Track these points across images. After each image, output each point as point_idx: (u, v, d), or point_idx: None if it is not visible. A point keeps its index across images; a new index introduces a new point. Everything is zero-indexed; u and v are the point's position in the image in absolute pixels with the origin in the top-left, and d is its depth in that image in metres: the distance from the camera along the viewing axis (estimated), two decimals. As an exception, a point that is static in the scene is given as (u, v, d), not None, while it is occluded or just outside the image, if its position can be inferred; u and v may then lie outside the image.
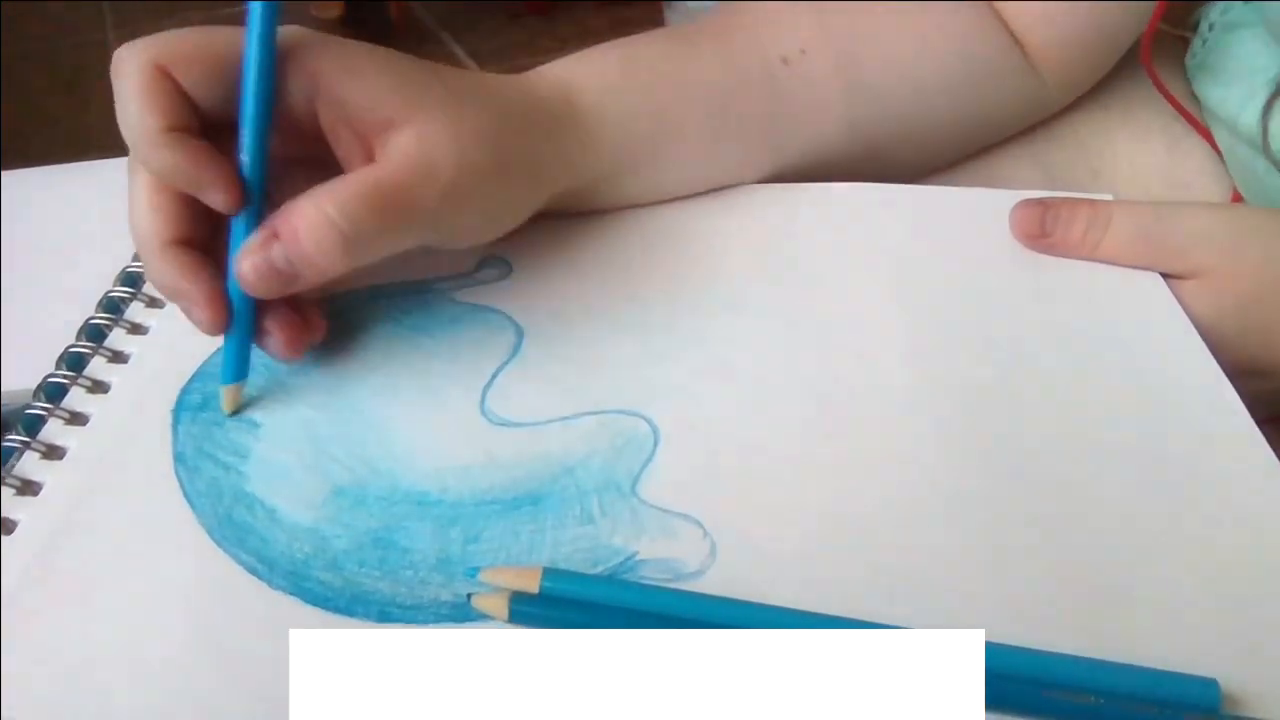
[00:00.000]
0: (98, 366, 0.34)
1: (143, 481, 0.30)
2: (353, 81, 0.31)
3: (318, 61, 0.30)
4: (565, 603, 0.26)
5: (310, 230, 0.29)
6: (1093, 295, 0.36)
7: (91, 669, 0.25)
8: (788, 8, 0.42)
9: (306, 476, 0.30)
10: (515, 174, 0.34)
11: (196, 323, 0.31)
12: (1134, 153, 0.48)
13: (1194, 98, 0.49)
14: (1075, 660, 0.25)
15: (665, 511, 0.29)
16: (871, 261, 0.38)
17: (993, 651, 0.25)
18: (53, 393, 0.33)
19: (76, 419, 0.32)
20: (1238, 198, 0.47)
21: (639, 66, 0.39)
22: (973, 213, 0.39)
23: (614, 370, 0.33)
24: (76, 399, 0.33)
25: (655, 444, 0.31)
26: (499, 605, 0.26)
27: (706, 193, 0.41)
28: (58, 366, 0.33)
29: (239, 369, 0.32)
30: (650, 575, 0.27)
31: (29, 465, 0.30)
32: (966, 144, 0.47)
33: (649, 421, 0.31)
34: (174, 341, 0.34)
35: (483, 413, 0.32)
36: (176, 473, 0.30)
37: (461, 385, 0.33)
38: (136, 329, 0.35)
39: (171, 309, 0.36)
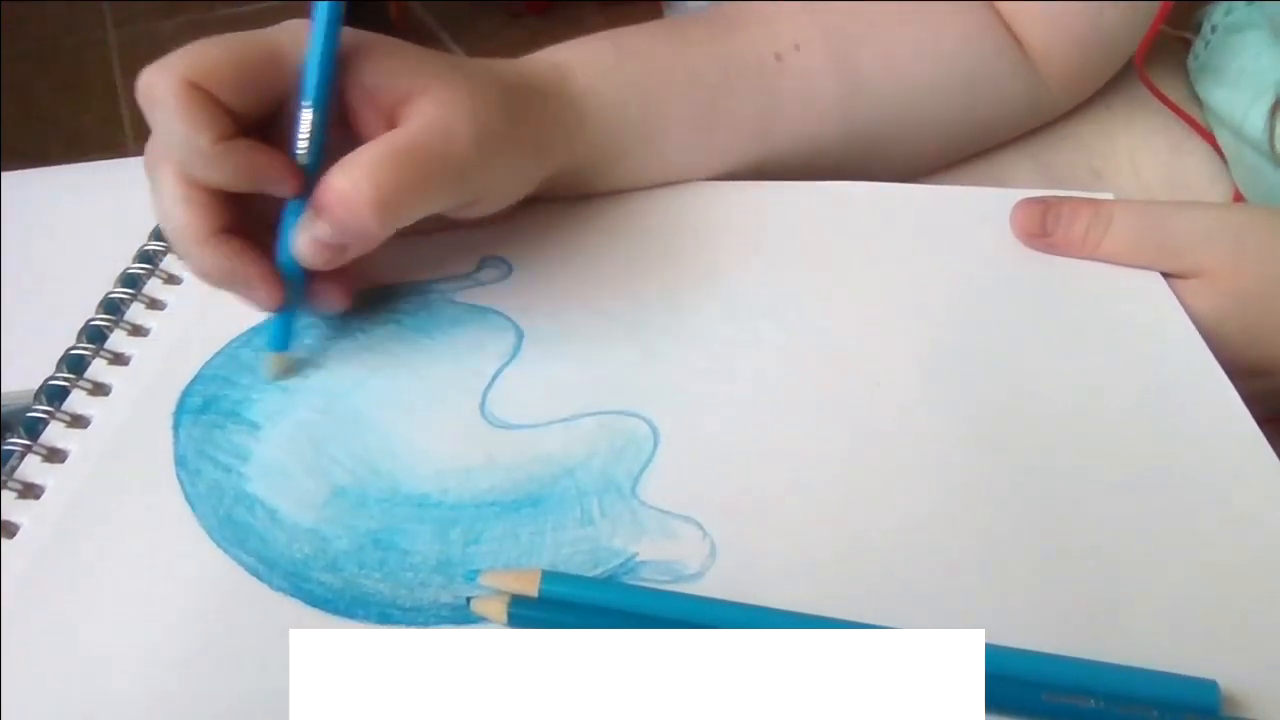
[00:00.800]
0: (98, 368, 0.34)
1: (144, 484, 0.30)
2: (371, 62, 0.32)
3: (340, 50, 0.32)
4: (564, 606, 0.26)
5: (342, 199, 0.29)
6: (1094, 295, 0.36)
7: (93, 670, 0.25)
8: (785, 6, 0.42)
9: (307, 478, 0.30)
10: (524, 142, 0.35)
11: (258, 303, 0.32)
12: (1135, 153, 0.48)
13: (1196, 100, 0.49)
14: (1075, 662, 0.25)
15: (665, 513, 0.29)
16: (872, 261, 0.38)
17: (992, 653, 0.25)
18: (54, 395, 0.33)
19: (78, 421, 0.32)
20: (1239, 198, 0.47)
21: (631, 55, 0.39)
22: (974, 212, 0.39)
23: (614, 371, 0.33)
24: (78, 401, 0.33)
25: (655, 445, 0.31)
26: (498, 609, 0.26)
27: (707, 193, 0.41)
28: (58, 368, 0.33)
29: (286, 338, 0.34)
30: (650, 577, 0.27)
31: (30, 468, 0.30)
32: (966, 144, 0.47)
33: (649, 423, 0.32)
34: (175, 343, 0.35)
35: (483, 414, 0.32)
36: (177, 475, 0.30)
37: (462, 387, 0.33)
38: (137, 330, 0.35)
39: (172, 309, 0.36)
